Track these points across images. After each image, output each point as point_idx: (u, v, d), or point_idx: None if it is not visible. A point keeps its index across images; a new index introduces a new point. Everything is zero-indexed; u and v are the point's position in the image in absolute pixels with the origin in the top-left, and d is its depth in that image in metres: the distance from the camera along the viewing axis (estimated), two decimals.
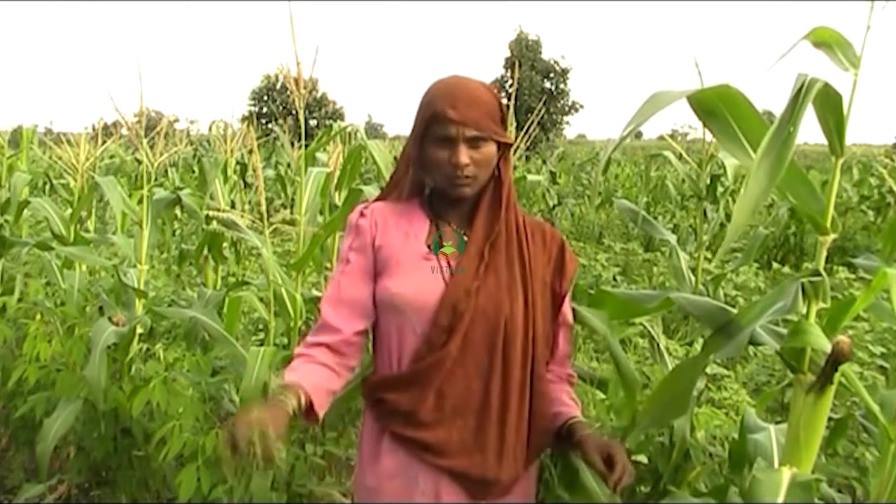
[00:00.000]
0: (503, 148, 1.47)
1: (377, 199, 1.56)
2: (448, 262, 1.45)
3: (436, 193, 1.51)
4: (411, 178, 1.52)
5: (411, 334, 1.43)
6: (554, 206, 9.88)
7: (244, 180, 7.46)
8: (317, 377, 1.40)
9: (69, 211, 3.60)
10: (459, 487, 1.43)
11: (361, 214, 1.50)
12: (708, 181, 4.20)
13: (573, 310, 1.61)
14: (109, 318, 2.67)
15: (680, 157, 4.48)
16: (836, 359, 1.23)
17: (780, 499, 1.17)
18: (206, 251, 3.79)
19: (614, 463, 1.36)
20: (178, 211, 6.16)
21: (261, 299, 2.56)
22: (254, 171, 2.24)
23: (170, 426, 2.14)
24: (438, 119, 1.40)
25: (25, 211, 4.08)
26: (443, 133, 1.40)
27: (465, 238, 1.47)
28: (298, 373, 1.39)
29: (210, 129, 9.99)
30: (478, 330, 1.41)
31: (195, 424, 2.20)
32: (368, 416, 1.52)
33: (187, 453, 2.11)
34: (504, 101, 1.53)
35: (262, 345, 2.32)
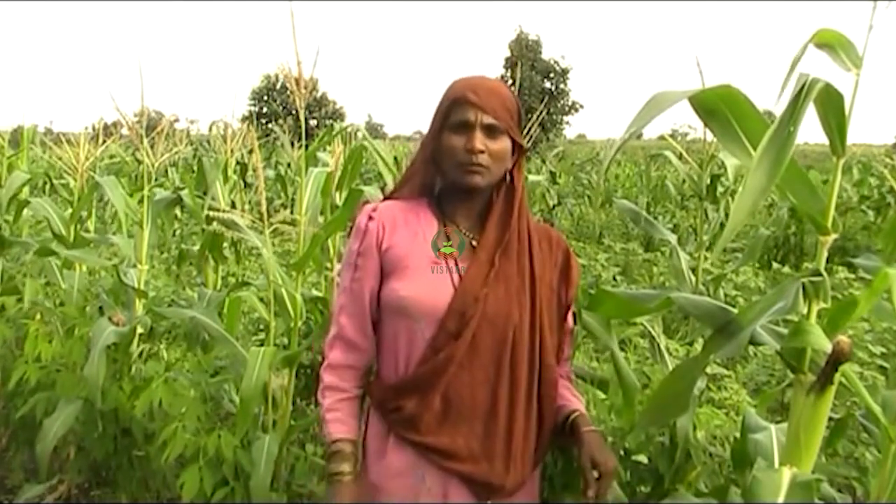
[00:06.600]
0: (517, 153, 1.47)
1: (388, 197, 1.54)
2: (457, 266, 1.44)
3: (446, 191, 1.49)
4: (422, 178, 1.50)
5: (420, 339, 1.41)
6: (554, 206, 9.90)
7: (244, 180, 7.46)
8: (354, 421, 1.49)
9: (69, 211, 3.59)
10: (466, 489, 1.43)
11: (369, 217, 1.47)
12: (708, 181, 4.20)
13: (574, 314, 1.60)
14: (109, 318, 2.67)
15: (680, 156, 4.47)
16: (836, 359, 1.23)
17: (781, 499, 1.17)
18: (206, 251, 3.78)
19: (601, 477, 1.37)
20: (178, 211, 6.16)
21: (261, 299, 2.56)
22: (254, 171, 2.23)
23: (172, 427, 2.14)
24: (458, 103, 1.41)
25: (25, 211, 4.08)
26: (461, 118, 1.40)
27: (475, 243, 1.46)
28: (342, 417, 1.47)
29: (210, 129, 10.01)
30: (485, 337, 1.40)
31: (196, 425, 2.20)
32: (374, 415, 1.51)
33: (189, 454, 2.11)
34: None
35: (262, 345, 2.32)
